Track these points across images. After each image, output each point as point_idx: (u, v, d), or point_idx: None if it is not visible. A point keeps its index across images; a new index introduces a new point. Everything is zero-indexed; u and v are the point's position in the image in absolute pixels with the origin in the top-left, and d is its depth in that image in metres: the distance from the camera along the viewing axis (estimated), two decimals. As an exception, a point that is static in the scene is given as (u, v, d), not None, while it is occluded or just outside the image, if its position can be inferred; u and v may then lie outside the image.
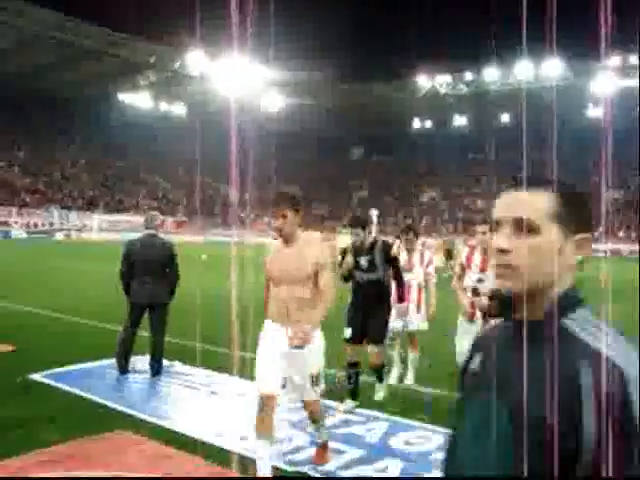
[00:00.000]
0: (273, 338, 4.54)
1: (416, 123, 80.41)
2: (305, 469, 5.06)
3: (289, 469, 5.04)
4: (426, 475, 5.00)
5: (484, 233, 6.07)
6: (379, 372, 6.85)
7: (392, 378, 7.59)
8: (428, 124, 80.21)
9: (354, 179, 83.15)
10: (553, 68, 58.41)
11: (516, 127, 64.40)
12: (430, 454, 5.39)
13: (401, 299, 6.90)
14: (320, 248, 4.67)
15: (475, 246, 6.34)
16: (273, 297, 4.64)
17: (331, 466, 5.09)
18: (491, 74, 63.51)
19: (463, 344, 6.11)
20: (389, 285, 6.73)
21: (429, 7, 79.92)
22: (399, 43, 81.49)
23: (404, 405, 6.77)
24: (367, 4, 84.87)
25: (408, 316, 7.31)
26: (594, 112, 64.18)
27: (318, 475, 4.96)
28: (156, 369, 7.84)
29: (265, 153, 54.47)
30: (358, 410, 6.46)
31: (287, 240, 4.62)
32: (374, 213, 18.74)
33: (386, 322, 6.70)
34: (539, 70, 59.42)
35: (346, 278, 6.63)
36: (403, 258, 7.40)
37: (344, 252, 6.66)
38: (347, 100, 73.23)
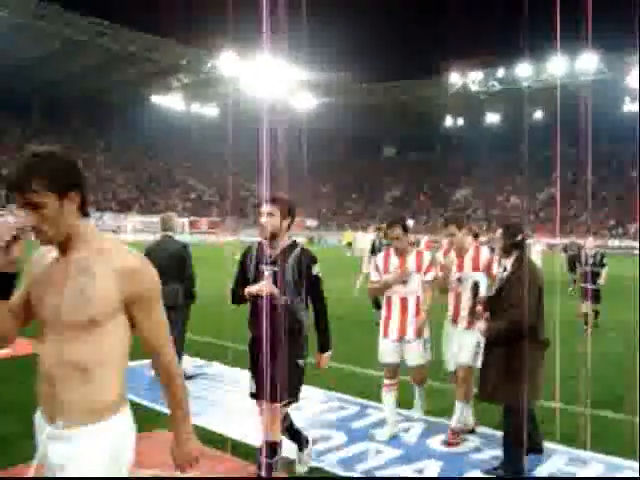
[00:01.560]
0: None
1: (448, 121, 79.77)
2: (337, 469, 5.05)
3: (326, 468, 5.03)
4: (464, 474, 4.96)
5: (452, 234, 5.89)
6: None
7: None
8: (460, 122, 79.50)
9: (387, 178, 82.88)
10: (588, 62, 57.48)
11: (550, 124, 63.64)
12: (467, 455, 5.36)
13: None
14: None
15: (449, 247, 6.08)
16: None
17: (369, 466, 5.08)
18: (524, 70, 62.70)
19: (450, 348, 5.99)
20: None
21: (460, 4, 79.34)
22: (430, 41, 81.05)
23: (442, 405, 6.73)
24: (398, 3, 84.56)
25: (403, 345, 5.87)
26: (631, 107, 63.09)
27: (353, 474, 4.95)
28: None
29: (297, 153, 54.70)
30: (397, 410, 6.43)
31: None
32: (410, 222, 18.75)
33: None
34: (573, 65, 58.53)
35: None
36: (393, 264, 5.86)
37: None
38: (379, 99, 72.96)
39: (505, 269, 5.02)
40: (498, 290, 5.00)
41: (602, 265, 12.62)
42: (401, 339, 5.80)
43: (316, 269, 4.53)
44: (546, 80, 62.48)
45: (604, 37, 43.50)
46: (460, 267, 5.91)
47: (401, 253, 5.87)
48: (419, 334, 5.74)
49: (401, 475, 4.93)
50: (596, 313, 12.29)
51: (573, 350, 9.26)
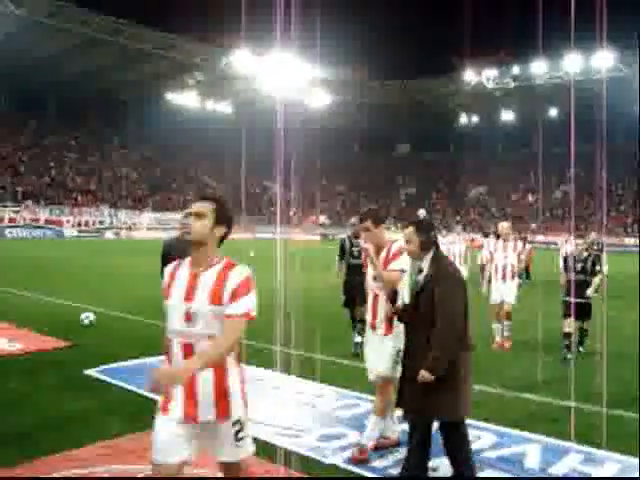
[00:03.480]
0: None
1: (463, 119, 79.49)
2: (352, 467, 5.06)
3: (341, 465, 5.05)
4: (478, 474, 4.96)
5: (367, 229, 5.39)
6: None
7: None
8: (475, 120, 79.21)
9: (401, 175, 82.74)
10: (603, 60, 57.07)
11: (565, 121, 63.24)
12: (481, 452, 5.35)
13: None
14: None
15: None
16: None
17: (382, 464, 5.09)
18: (539, 67, 62.38)
19: (369, 356, 5.51)
20: None
21: (475, 1, 79.01)
22: (445, 38, 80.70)
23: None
24: (412, 1, 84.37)
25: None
26: (647, 104, 62.57)
27: (367, 473, 4.96)
28: None
29: (311, 151, 54.71)
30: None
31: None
32: (422, 213, 18.51)
33: None
34: (589, 62, 58.15)
35: None
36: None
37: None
38: (393, 96, 72.87)
39: (420, 271, 4.52)
40: (415, 295, 4.52)
41: (594, 272, 9.50)
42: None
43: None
44: (561, 78, 62.09)
45: (619, 35, 43.23)
46: (385, 263, 5.35)
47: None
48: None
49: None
50: (582, 332, 9.57)
51: (588, 349, 9.24)
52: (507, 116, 76.30)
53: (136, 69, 64.28)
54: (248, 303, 3.23)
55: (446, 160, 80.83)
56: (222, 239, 3.39)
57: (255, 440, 5.42)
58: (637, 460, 5.17)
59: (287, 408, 6.46)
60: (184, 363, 3.14)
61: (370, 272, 5.44)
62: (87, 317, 10.89)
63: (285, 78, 56.98)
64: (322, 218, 68.82)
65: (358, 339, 8.80)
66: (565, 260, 9.95)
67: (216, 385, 3.25)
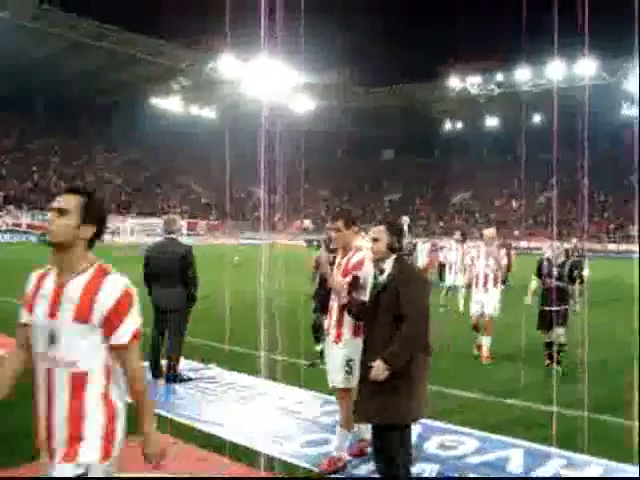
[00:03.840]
0: None
1: (447, 124, 79.90)
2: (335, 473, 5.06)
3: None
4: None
5: (338, 230, 5.22)
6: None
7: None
8: (459, 125, 79.63)
9: (386, 181, 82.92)
10: (586, 67, 57.58)
11: (549, 128, 63.72)
12: (465, 458, 5.36)
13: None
14: None
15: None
16: None
17: (365, 470, 5.08)
18: (523, 74, 62.85)
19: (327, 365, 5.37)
20: None
21: (459, 8, 79.49)
22: (430, 44, 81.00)
23: (439, 407, 6.74)
24: (397, 6, 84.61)
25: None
26: (629, 111, 63.20)
27: (351, 477, 4.96)
28: (170, 375, 7.69)
29: (296, 156, 54.68)
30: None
31: None
32: (406, 221, 18.57)
33: None
34: (572, 70, 58.65)
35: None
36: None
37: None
38: (378, 102, 73.02)
39: (382, 271, 4.43)
40: (375, 295, 4.41)
41: (572, 279, 8.91)
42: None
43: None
44: (545, 84, 62.60)
45: (602, 42, 43.59)
46: (344, 271, 5.15)
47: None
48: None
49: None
50: (559, 348, 8.57)
51: (571, 354, 9.30)
52: (491, 122, 76.80)
53: (121, 74, 64.04)
54: (132, 324, 2.75)
55: (430, 166, 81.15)
56: (92, 241, 2.85)
57: (238, 447, 5.44)
58: (619, 465, 5.21)
59: (270, 414, 6.45)
60: (152, 436, 2.96)
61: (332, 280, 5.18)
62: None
63: (270, 83, 57.01)
64: (306, 223, 68.83)
65: (318, 347, 8.53)
66: (540, 265, 9.18)
67: (70, 430, 2.73)
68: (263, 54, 48.46)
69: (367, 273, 4.87)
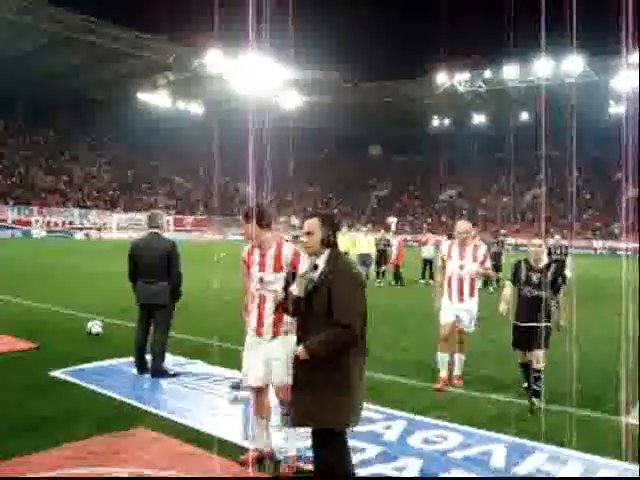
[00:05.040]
0: None
1: (435, 122, 79.99)
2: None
3: (307, 467, 5.05)
4: (444, 474, 4.99)
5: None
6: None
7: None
8: (447, 123, 79.72)
9: (373, 178, 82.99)
10: (573, 65, 57.83)
11: (536, 125, 63.96)
12: (448, 453, 5.39)
13: None
14: None
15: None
16: None
17: (365, 471, 5.09)
18: (510, 72, 63.01)
19: (250, 361, 5.11)
20: None
21: (446, 5, 79.62)
22: (417, 41, 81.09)
23: (424, 403, 6.77)
24: (385, 3, 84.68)
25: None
26: (616, 109, 63.54)
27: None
28: (154, 369, 7.67)
29: (283, 152, 54.64)
30: (377, 408, 6.45)
31: None
32: (392, 221, 18.76)
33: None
34: (559, 67, 58.85)
35: None
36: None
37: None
38: (365, 98, 72.96)
39: (316, 267, 4.23)
40: (309, 293, 4.20)
41: (555, 287, 6.90)
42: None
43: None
44: (532, 82, 62.82)
45: (589, 40, 43.85)
46: (262, 266, 5.08)
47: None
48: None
49: (382, 473, 4.96)
50: (536, 377, 6.66)
51: (554, 349, 9.33)
52: (479, 119, 76.99)
53: (107, 68, 63.62)
54: None
55: (418, 162, 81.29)
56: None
57: (222, 441, 5.44)
58: (600, 458, 5.26)
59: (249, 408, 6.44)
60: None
61: (257, 275, 5.08)
62: (94, 325, 10.12)
63: (257, 79, 56.89)
64: (293, 219, 68.81)
65: None
66: (516, 270, 7.13)
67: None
68: (251, 50, 48.38)
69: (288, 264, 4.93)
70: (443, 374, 7.58)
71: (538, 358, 6.74)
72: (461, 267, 7.75)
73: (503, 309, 7.11)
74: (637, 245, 50.77)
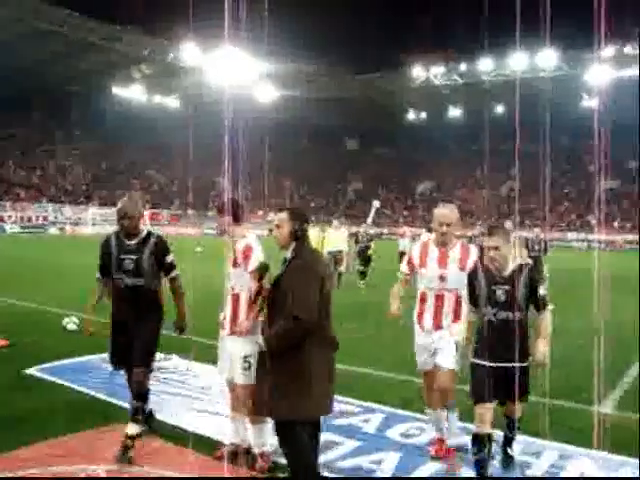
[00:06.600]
0: None
1: (411, 114, 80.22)
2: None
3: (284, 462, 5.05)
4: (422, 467, 5.01)
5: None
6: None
7: None
8: (423, 115, 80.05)
9: (349, 171, 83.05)
10: (548, 59, 58.31)
11: (511, 118, 64.42)
12: (427, 446, 5.40)
13: None
14: None
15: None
16: None
17: (328, 457, 5.09)
18: (485, 65, 63.38)
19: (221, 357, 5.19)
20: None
21: (423, -2, 79.86)
22: (393, 35, 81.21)
23: (402, 396, 6.79)
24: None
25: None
26: (589, 103, 64.17)
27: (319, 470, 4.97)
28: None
29: (259, 145, 54.43)
30: (355, 401, 6.46)
31: None
32: (376, 205, 18.24)
33: None
34: (534, 61, 59.29)
35: None
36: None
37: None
38: (341, 91, 72.94)
39: (285, 260, 4.35)
40: (275, 282, 4.30)
41: (535, 300, 4.59)
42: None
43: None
44: (507, 75, 63.22)
45: (563, 34, 44.21)
46: (230, 261, 5.10)
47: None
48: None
49: (360, 466, 4.96)
50: (509, 424, 4.95)
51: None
52: (455, 112, 77.37)
53: (81, 61, 62.92)
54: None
55: (394, 155, 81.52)
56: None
57: (199, 437, 5.42)
58: (574, 448, 5.31)
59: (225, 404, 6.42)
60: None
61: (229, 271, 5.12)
62: (69, 322, 10.08)
63: (233, 71, 56.61)
64: (272, 214, 68.65)
65: None
66: (472, 281, 4.72)
67: None
68: (227, 42, 48.10)
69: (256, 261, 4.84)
70: (439, 434, 5.34)
71: (514, 410, 4.83)
72: (442, 278, 5.14)
73: (394, 309, 5.41)
74: (611, 238, 51.61)
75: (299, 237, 4.32)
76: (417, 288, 5.36)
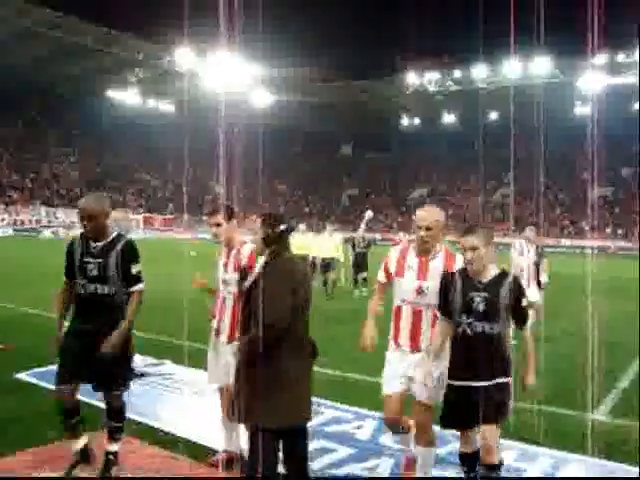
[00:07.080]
0: None
1: (405, 121, 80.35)
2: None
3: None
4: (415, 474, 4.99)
5: (218, 225, 5.14)
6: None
7: None
8: (417, 122, 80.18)
9: (343, 177, 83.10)
10: (541, 66, 58.52)
11: (505, 125, 64.61)
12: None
13: None
14: None
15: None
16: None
17: (321, 464, 5.08)
18: (480, 71, 63.56)
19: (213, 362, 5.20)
20: None
21: (418, 4, 80.00)
22: (388, 41, 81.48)
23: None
24: (356, 2, 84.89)
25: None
26: (582, 110, 64.40)
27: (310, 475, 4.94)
28: None
29: (254, 150, 54.43)
30: (348, 408, 6.44)
31: None
32: (369, 215, 18.08)
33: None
34: (528, 68, 59.49)
35: None
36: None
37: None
38: (336, 97, 72.98)
39: (259, 266, 4.26)
40: (248, 289, 4.18)
41: (518, 313, 4.21)
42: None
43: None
44: (501, 82, 63.42)
45: (557, 42, 44.35)
46: (225, 266, 5.04)
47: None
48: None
49: (354, 474, 4.94)
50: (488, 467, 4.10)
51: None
52: (449, 119, 77.55)
53: (75, 64, 62.85)
54: None
55: (389, 161, 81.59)
56: None
57: (191, 443, 5.38)
58: (569, 454, 5.31)
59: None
60: None
61: (221, 275, 5.11)
62: None
63: (228, 76, 56.60)
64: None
65: None
66: (445, 289, 4.23)
67: None
68: (221, 47, 48.11)
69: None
70: (408, 454, 4.85)
71: (486, 442, 4.03)
72: (419, 291, 4.49)
73: (366, 343, 4.76)
74: (604, 244, 51.77)
75: (273, 242, 4.19)
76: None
